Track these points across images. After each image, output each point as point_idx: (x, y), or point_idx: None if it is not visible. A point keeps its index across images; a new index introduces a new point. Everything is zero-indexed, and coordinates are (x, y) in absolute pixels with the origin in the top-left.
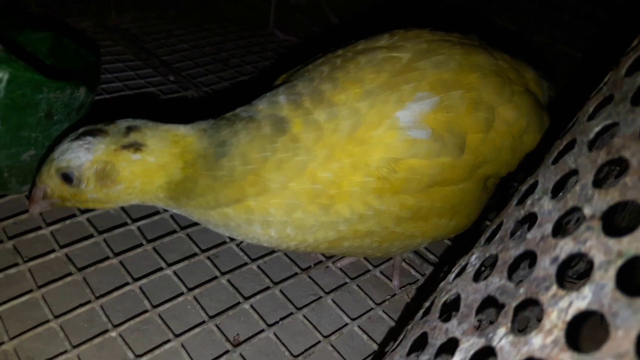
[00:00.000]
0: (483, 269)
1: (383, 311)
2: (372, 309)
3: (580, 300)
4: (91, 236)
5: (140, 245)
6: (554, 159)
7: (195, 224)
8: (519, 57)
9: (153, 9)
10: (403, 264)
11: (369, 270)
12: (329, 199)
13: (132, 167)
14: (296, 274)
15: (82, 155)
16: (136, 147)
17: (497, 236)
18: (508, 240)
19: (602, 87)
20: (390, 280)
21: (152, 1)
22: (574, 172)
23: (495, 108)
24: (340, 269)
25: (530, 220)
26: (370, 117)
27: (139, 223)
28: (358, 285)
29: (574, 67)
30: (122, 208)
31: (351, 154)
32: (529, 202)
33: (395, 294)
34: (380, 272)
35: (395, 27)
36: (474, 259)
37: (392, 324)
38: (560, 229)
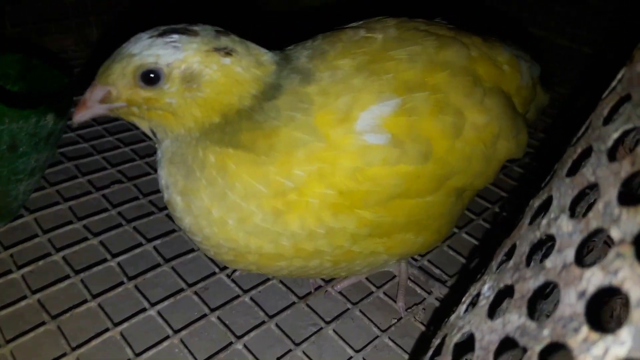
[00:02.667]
0: (497, 300)
1: (389, 338)
2: (377, 336)
3: (618, 346)
4: (67, 277)
5: (121, 283)
6: (569, 170)
7: (180, 255)
8: (493, 37)
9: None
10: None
11: (371, 292)
12: (285, 205)
13: (221, 72)
14: (293, 303)
15: (171, 53)
16: (227, 51)
17: (511, 262)
18: (524, 267)
19: (615, 86)
20: (395, 302)
21: (133, 14)
22: (593, 186)
23: (463, 112)
24: (341, 292)
25: (547, 243)
26: (356, 104)
27: (119, 258)
28: (361, 311)
29: (579, 63)
30: (102, 243)
31: (322, 157)
32: (544, 222)
33: (401, 317)
34: (384, 292)
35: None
36: (487, 290)
37: (400, 352)
38: (584, 254)
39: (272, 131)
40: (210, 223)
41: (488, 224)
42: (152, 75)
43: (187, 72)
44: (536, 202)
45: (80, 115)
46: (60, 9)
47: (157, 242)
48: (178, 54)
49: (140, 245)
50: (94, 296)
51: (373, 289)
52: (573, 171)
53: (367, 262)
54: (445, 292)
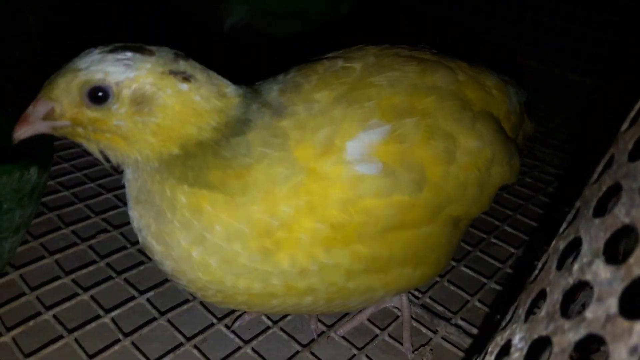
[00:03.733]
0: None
1: None
2: None
3: None
4: (60, 337)
5: (117, 341)
6: (596, 209)
7: (175, 306)
8: (479, 63)
9: None
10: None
11: (376, 335)
12: (273, 243)
13: (176, 98)
14: (297, 352)
15: (122, 71)
16: (185, 76)
17: (544, 311)
18: (560, 318)
19: (636, 118)
20: (401, 344)
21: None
22: (629, 229)
23: (455, 137)
24: (344, 337)
25: (583, 290)
26: (338, 134)
27: (113, 313)
28: (367, 356)
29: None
30: (94, 298)
31: (310, 190)
32: (576, 266)
33: None
34: (389, 334)
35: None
36: (519, 340)
37: None
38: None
39: (244, 169)
40: (193, 267)
41: (485, 255)
42: (100, 93)
43: (138, 93)
44: (561, 244)
45: (21, 132)
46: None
47: (151, 293)
48: (129, 73)
49: (133, 298)
50: (90, 356)
51: (377, 331)
52: (601, 211)
53: (363, 299)
54: (452, 331)
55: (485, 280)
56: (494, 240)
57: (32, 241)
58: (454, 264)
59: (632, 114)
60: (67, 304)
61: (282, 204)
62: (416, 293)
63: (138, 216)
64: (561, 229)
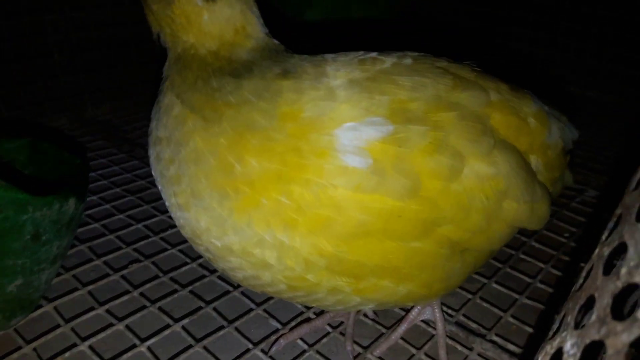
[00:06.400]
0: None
1: None
2: None
3: None
4: None
5: None
6: (639, 215)
7: (210, 333)
8: (526, 90)
9: (130, 96)
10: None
11: (412, 355)
12: (233, 189)
13: (188, 5)
14: None
15: None
16: None
17: (594, 316)
18: (612, 320)
19: None
20: None
21: (129, 89)
22: None
23: (464, 156)
24: (381, 358)
25: (631, 292)
26: (334, 116)
27: (149, 342)
28: None
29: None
30: (129, 327)
31: (284, 160)
32: (623, 270)
33: None
34: (425, 354)
35: None
36: (570, 347)
37: None
38: None
39: (223, 106)
40: (170, 180)
41: (515, 270)
42: None
43: None
44: (605, 250)
45: None
46: (55, 89)
47: (185, 321)
48: None
49: (168, 326)
50: None
51: (413, 350)
52: None
53: (335, 299)
54: (487, 347)
55: (516, 296)
56: (522, 257)
57: (64, 274)
58: (484, 281)
59: None
60: (102, 334)
61: (250, 155)
62: (449, 311)
63: (152, 118)
64: (603, 237)
